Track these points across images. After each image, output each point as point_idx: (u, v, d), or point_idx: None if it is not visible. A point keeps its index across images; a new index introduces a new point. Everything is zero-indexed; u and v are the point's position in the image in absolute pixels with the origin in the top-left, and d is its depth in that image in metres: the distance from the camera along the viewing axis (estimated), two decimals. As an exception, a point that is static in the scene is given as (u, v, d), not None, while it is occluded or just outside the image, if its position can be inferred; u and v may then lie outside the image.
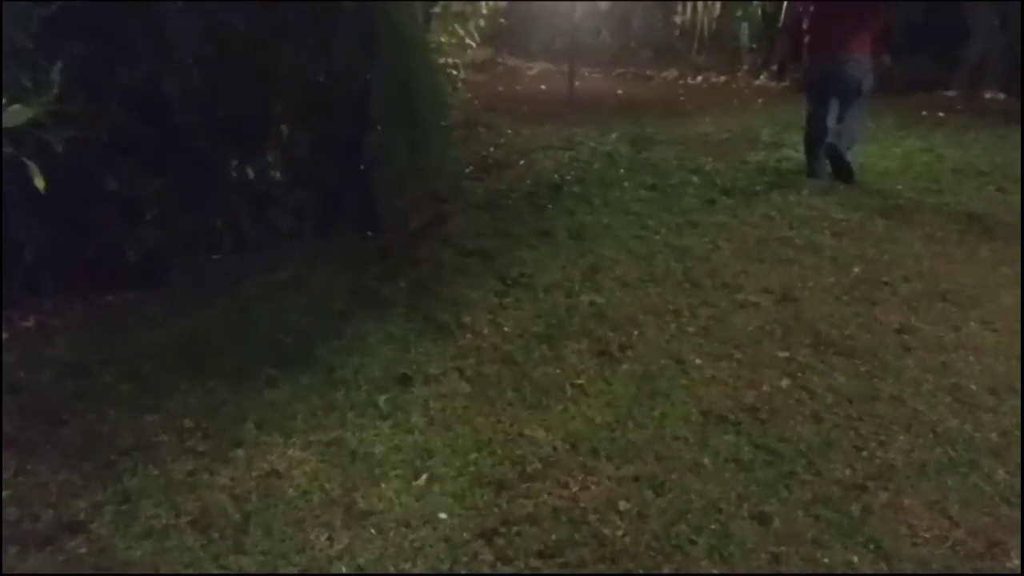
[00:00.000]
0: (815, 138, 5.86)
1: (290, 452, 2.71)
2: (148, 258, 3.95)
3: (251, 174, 4.28)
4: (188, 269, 4.12)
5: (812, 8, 5.83)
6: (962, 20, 8.96)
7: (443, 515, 2.39)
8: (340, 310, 3.82)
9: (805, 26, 5.87)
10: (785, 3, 6.14)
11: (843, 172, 5.78)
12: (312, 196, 4.56)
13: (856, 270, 4.21)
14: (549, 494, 2.48)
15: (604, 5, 11.12)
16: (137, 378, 3.19)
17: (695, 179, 5.99)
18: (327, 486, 2.52)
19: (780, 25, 6.17)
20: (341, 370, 3.25)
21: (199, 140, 4.06)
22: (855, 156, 5.82)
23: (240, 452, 2.71)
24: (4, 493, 2.48)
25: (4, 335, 3.49)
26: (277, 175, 4.34)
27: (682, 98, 9.63)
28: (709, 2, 11.06)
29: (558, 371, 3.25)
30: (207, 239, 4.27)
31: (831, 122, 5.74)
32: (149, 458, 2.68)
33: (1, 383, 3.07)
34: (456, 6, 7.89)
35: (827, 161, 5.83)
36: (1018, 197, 5.40)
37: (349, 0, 4.48)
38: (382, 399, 3.04)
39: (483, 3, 8.38)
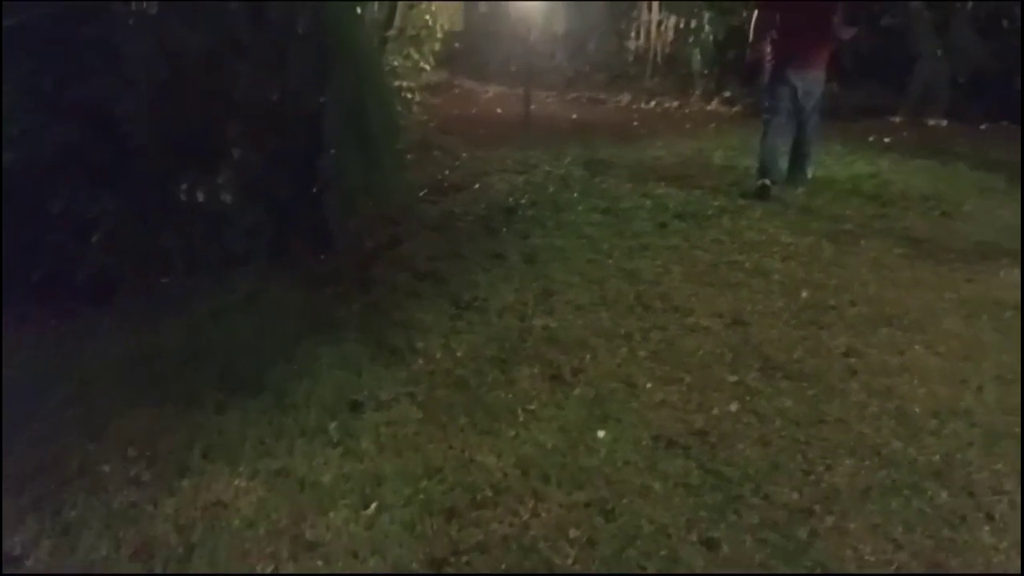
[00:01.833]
0: (774, 148, 6.24)
1: (237, 481, 2.66)
2: (98, 279, 3.89)
3: (203, 195, 4.23)
4: (138, 290, 4.05)
5: (778, 24, 6.13)
6: (907, 49, 9.19)
7: (392, 545, 2.37)
8: (292, 333, 3.77)
9: (770, 42, 6.18)
10: (755, 16, 6.34)
11: (800, 179, 6.26)
12: (265, 217, 4.52)
13: (804, 294, 4.28)
14: (499, 522, 2.47)
15: (559, 30, 11.23)
16: (83, 403, 3.12)
17: (647, 203, 6.05)
18: (274, 516, 2.48)
19: (751, 39, 6.39)
20: (291, 395, 3.21)
21: (151, 160, 4.01)
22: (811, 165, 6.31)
23: (185, 482, 2.66)
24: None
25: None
26: (229, 196, 4.29)
27: (635, 122, 9.73)
28: (662, 28, 11.23)
29: (510, 396, 3.25)
30: (158, 260, 4.21)
31: (789, 132, 6.21)
32: (91, 488, 2.62)
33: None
34: (412, 28, 7.93)
35: (785, 169, 6.28)
36: (961, 223, 5.54)
37: (303, 22, 4.48)
38: (332, 425, 3.01)
39: (438, 26, 8.43)
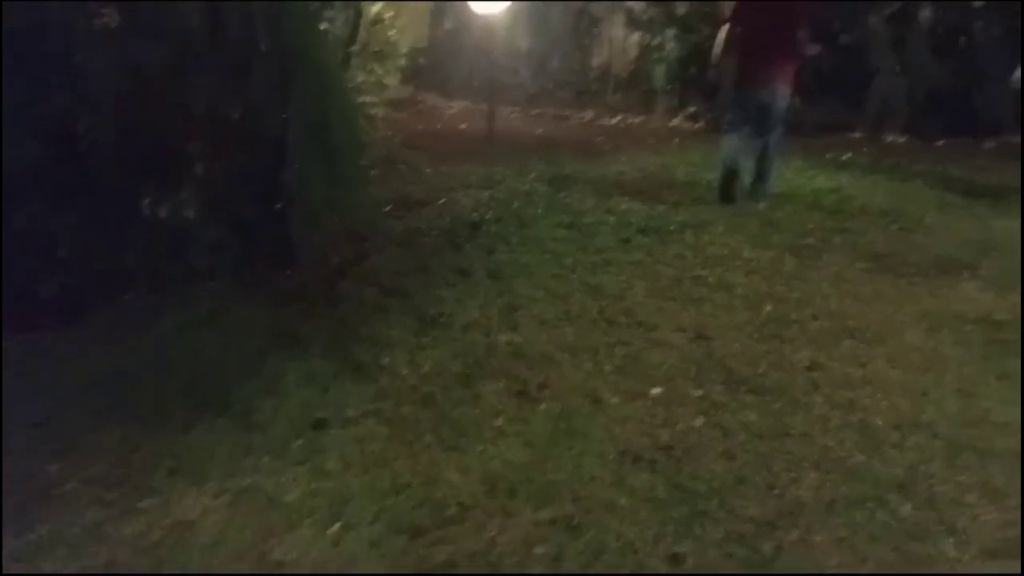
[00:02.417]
0: (736, 162, 6.40)
1: (203, 500, 2.63)
2: (60, 297, 3.82)
3: (166, 211, 4.19)
4: (103, 308, 3.98)
5: (745, 41, 6.30)
6: (866, 66, 9.36)
7: (359, 563, 2.34)
8: (257, 350, 3.73)
9: (736, 58, 6.35)
10: (723, 32, 6.50)
11: (762, 193, 6.39)
12: (229, 234, 4.47)
13: (767, 308, 4.32)
14: (466, 539, 2.46)
15: (523, 46, 11.28)
16: (48, 422, 3.06)
17: (611, 218, 6.07)
18: (240, 535, 2.45)
19: (721, 52, 6.57)
20: (257, 413, 3.18)
21: (114, 176, 3.96)
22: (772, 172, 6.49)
23: (151, 501, 2.62)
24: None
25: None
26: (192, 213, 4.24)
27: (599, 138, 9.79)
28: (625, 45, 11.33)
29: (476, 411, 3.24)
30: (122, 277, 4.15)
31: (752, 146, 6.38)
32: (56, 508, 2.56)
33: None
34: (375, 44, 7.92)
35: (747, 182, 6.45)
36: (921, 237, 5.65)
37: (265, 38, 4.45)
38: (297, 443, 2.98)
39: (402, 42, 8.44)
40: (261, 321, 4.04)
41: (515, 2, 9.00)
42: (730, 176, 6.49)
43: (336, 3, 6.99)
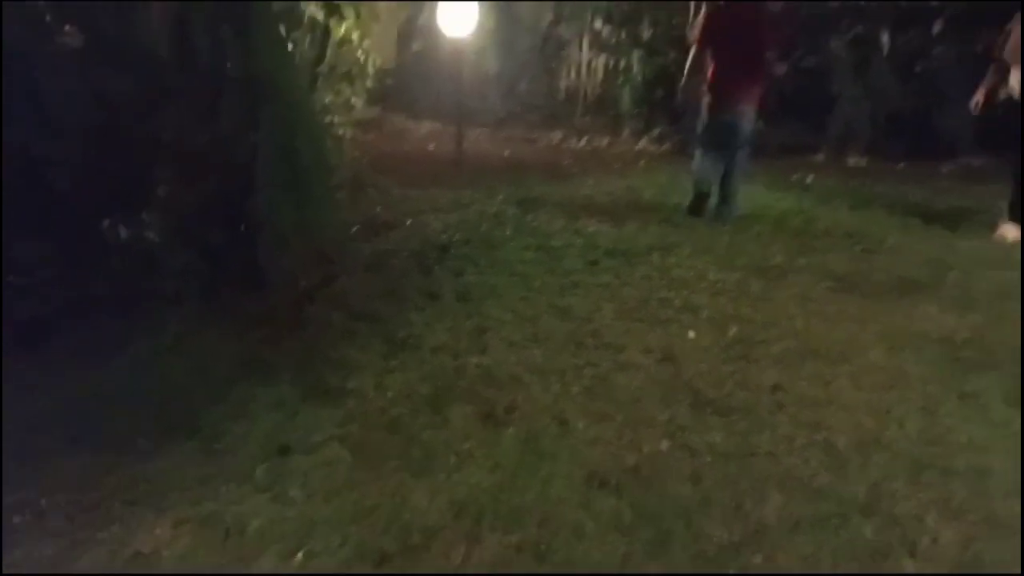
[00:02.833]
0: (705, 181, 6.64)
1: (163, 530, 2.59)
2: (24, 323, 3.75)
3: (133, 237, 4.14)
4: (68, 333, 3.92)
5: (713, 62, 6.50)
6: (828, 90, 9.52)
7: (323, 591, 2.32)
8: (224, 375, 3.69)
9: (702, 80, 6.55)
10: (691, 55, 6.65)
11: (726, 213, 6.60)
12: (196, 259, 4.43)
13: (733, 330, 4.35)
14: (433, 564, 2.44)
15: (491, 68, 11.35)
16: (7, 451, 3.00)
17: (579, 240, 6.11)
18: (200, 565, 2.41)
19: (685, 77, 6.75)
20: (222, 439, 3.14)
21: (79, 202, 3.92)
22: (737, 190, 6.68)
23: (110, 531, 2.57)
24: None
25: None
26: (159, 238, 4.20)
27: (567, 160, 9.85)
28: (592, 68, 11.44)
29: (444, 435, 3.22)
30: (88, 303, 4.08)
31: (720, 166, 6.59)
32: (10, 541, 2.51)
33: None
34: (343, 66, 7.92)
35: (712, 203, 6.67)
36: (883, 258, 5.73)
37: (233, 62, 4.44)
38: (262, 469, 2.95)
39: (371, 63, 8.45)
40: (228, 346, 4.00)
41: (483, 25, 9.06)
42: (700, 195, 6.71)
43: (304, 24, 6.98)
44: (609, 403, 3.52)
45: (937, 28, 9.54)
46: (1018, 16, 6.12)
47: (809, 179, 8.58)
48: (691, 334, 4.28)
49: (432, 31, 9.56)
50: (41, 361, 3.73)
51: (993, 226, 6.37)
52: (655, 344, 4.17)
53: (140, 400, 3.43)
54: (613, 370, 3.87)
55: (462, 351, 4.04)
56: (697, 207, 6.74)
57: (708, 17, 6.72)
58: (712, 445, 3.16)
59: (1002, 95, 6.25)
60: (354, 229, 6.10)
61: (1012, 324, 4.43)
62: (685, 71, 6.82)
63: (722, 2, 6.46)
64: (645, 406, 3.50)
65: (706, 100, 6.62)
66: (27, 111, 3.75)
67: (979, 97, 6.50)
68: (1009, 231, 6.25)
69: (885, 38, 9.73)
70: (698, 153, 6.80)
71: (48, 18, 4.07)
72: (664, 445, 3.17)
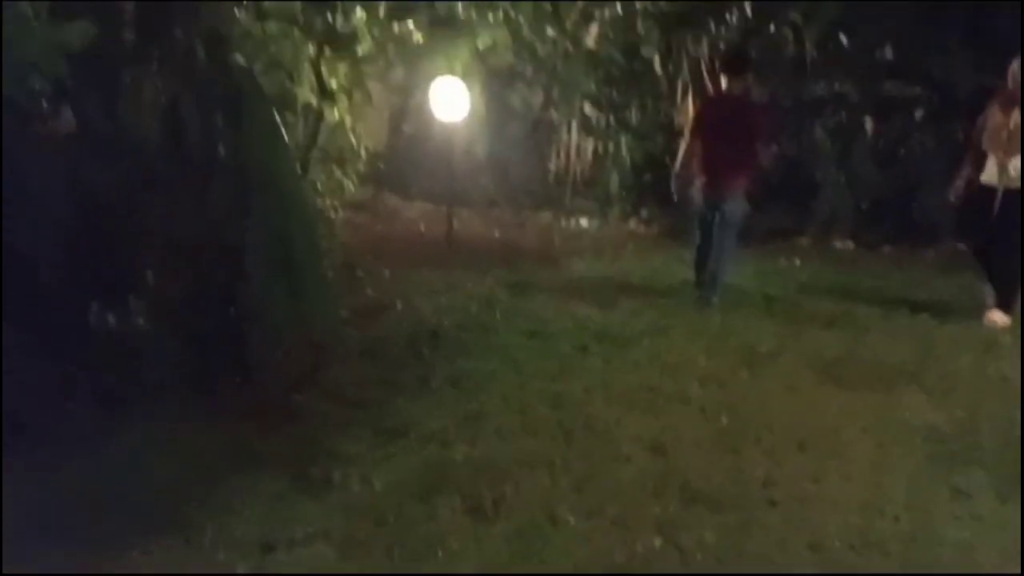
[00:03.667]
0: (701, 260, 6.81)
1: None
2: (3, 415, 3.72)
3: (118, 326, 4.14)
4: (48, 427, 3.87)
5: (705, 150, 6.70)
6: (812, 177, 9.69)
7: None
8: (209, 468, 3.66)
9: (694, 168, 6.77)
10: (683, 144, 6.82)
11: (711, 294, 6.72)
12: (183, 347, 4.42)
13: (724, 420, 4.35)
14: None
15: (482, 150, 11.49)
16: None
17: (569, 324, 6.12)
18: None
19: (678, 166, 6.94)
20: (203, 535, 3.10)
21: (64, 291, 3.93)
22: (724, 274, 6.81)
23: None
24: None
25: None
26: (146, 327, 4.20)
27: (556, 242, 9.91)
28: (581, 151, 11.63)
29: (431, 531, 3.19)
30: (69, 393, 4.06)
31: (713, 246, 6.74)
32: None
33: None
34: (335, 150, 8.06)
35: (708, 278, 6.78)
36: (868, 345, 5.76)
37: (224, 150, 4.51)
38: (243, 567, 2.91)
39: (362, 147, 8.60)
40: (215, 437, 3.96)
41: (475, 109, 9.24)
42: (699, 275, 6.90)
43: (297, 108, 7.12)
44: (600, 497, 3.50)
45: (919, 115, 9.77)
46: (995, 104, 6.28)
47: (797, 262, 8.66)
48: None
49: (425, 114, 9.71)
50: (21, 454, 3.67)
51: (979, 312, 6.42)
52: (646, 434, 4.16)
53: (122, 494, 3.39)
54: (604, 461, 3.85)
55: (452, 441, 4.02)
56: (701, 286, 6.93)
57: (698, 108, 6.94)
58: (703, 544, 3.14)
59: (981, 182, 6.36)
60: (345, 314, 6.11)
61: (1000, 415, 4.45)
62: (678, 160, 7.01)
63: (712, 93, 6.66)
64: (636, 500, 3.48)
65: (698, 187, 6.79)
66: (14, 200, 3.78)
67: (958, 183, 6.62)
68: (998, 317, 6.30)
69: (868, 125, 9.95)
70: (692, 241, 7.00)
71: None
72: (656, 542, 3.14)
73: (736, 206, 6.67)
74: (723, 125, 6.63)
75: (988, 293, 6.45)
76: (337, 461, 3.76)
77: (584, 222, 10.96)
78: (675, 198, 7.34)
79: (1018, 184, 6.05)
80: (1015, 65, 6.03)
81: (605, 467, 3.80)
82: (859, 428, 4.31)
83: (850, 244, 9.64)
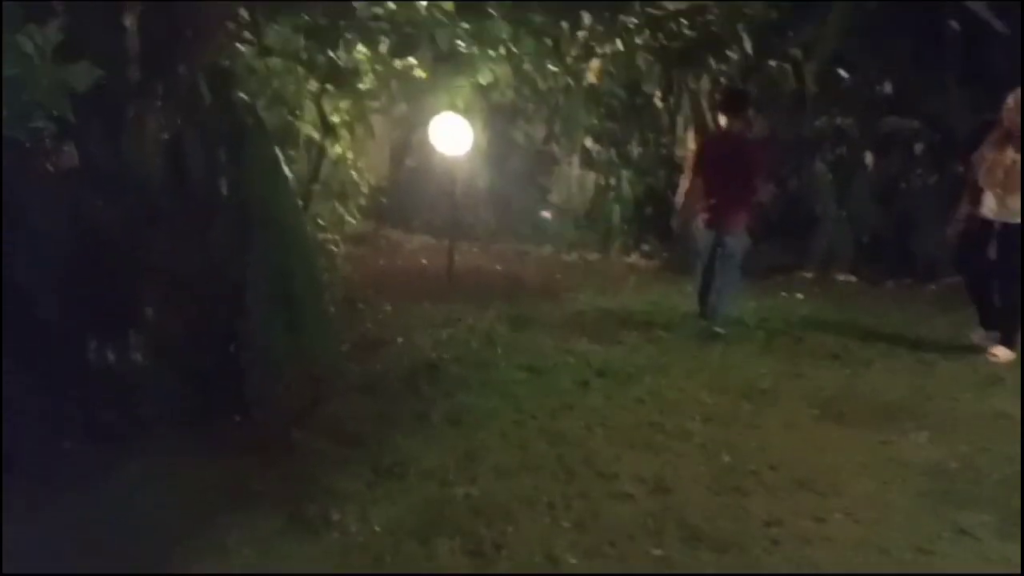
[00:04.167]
0: (705, 294, 6.95)
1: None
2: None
3: (114, 359, 4.13)
4: (40, 463, 3.84)
5: (707, 187, 6.85)
6: (813, 211, 9.72)
7: None
8: (205, 505, 3.63)
9: (696, 205, 6.93)
10: (686, 182, 6.90)
11: (723, 322, 6.85)
12: (182, 382, 4.40)
13: (725, 458, 4.32)
14: None
15: (484, 183, 11.54)
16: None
17: (570, 360, 6.10)
18: None
19: (680, 204, 7.06)
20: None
21: (63, 326, 3.92)
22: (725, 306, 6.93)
23: None
24: None
25: None
26: (143, 360, 4.19)
27: (558, 275, 9.91)
28: (583, 184, 11.68)
29: (429, 572, 3.16)
30: (63, 427, 4.03)
31: (716, 280, 6.86)
32: None
33: None
34: (337, 184, 8.09)
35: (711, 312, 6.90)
36: (869, 381, 5.74)
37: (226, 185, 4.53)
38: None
39: (364, 181, 8.64)
40: (211, 474, 3.93)
41: (477, 143, 9.28)
42: (703, 308, 7.00)
43: (300, 142, 7.16)
44: (600, 537, 3.46)
45: (919, 150, 9.82)
46: (991, 139, 6.30)
47: (798, 296, 8.65)
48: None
49: (427, 148, 9.76)
50: (15, 490, 3.64)
51: (980, 347, 6.40)
52: (647, 472, 4.13)
53: (116, 531, 3.36)
54: (605, 501, 3.82)
55: (451, 480, 3.98)
56: (705, 315, 7.02)
57: (698, 146, 7.05)
58: (705, 587, 3.10)
59: (978, 217, 6.36)
60: (345, 348, 6.09)
61: (1002, 452, 4.42)
62: (681, 198, 7.12)
63: (712, 130, 6.76)
64: (637, 541, 3.44)
65: (699, 223, 6.91)
66: (14, 234, 3.78)
67: (957, 219, 6.63)
68: (1000, 352, 6.28)
69: (869, 160, 9.99)
70: (695, 275, 7.11)
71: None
72: (656, 586, 3.10)
73: (737, 241, 6.78)
74: (722, 162, 6.78)
75: (976, 330, 6.48)
76: (335, 499, 3.72)
77: (585, 255, 10.97)
78: (676, 234, 7.41)
79: (1015, 219, 6.07)
80: (1010, 100, 6.06)
81: (606, 506, 3.77)
82: (861, 466, 4.28)
83: (851, 278, 9.63)
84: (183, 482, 3.83)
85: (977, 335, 6.50)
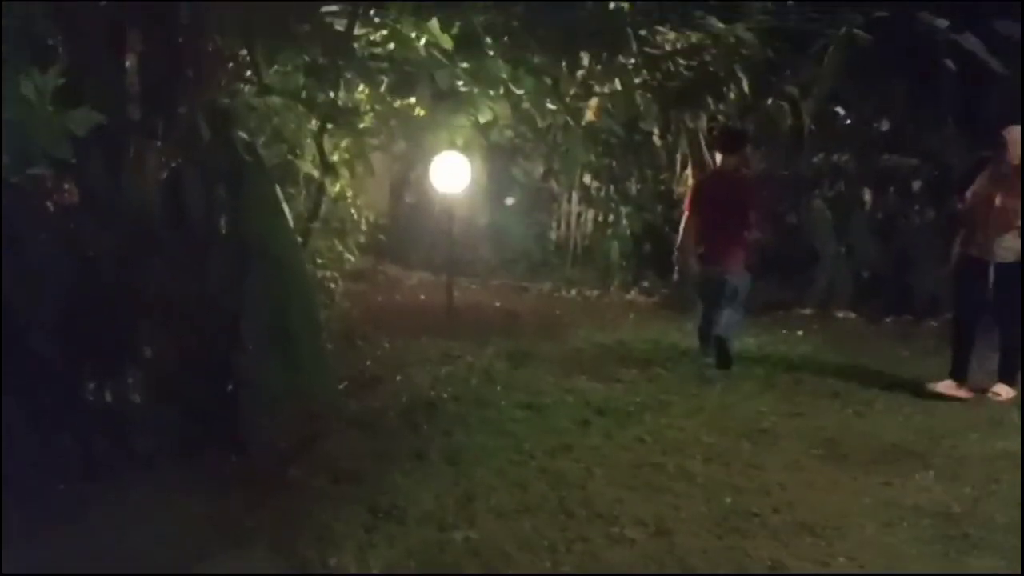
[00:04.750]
0: (706, 331, 6.90)
1: None
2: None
3: (109, 395, 4.10)
4: (29, 497, 3.79)
5: (704, 227, 6.84)
6: (812, 248, 9.73)
7: None
8: (198, 544, 3.58)
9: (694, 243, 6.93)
10: (684, 221, 6.88)
11: (724, 360, 6.84)
12: (178, 417, 4.36)
13: (727, 500, 4.27)
14: None
15: (482, 220, 11.59)
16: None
17: (569, 398, 6.06)
18: None
19: (681, 238, 7.02)
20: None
21: (58, 360, 3.89)
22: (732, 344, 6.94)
23: None
24: None
25: None
26: (137, 396, 4.16)
27: (557, 311, 9.90)
28: (581, 220, 11.72)
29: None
30: (56, 461, 3.99)
31: (717, 318, 6.81)
32: None
33: None
34: (336, 221, 8.09)
35: (712, 349, 6.87)
36: (872, 422, 5.70)
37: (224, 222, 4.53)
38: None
39: (363, 219, 8.65)
40: (204, 511, 3.88)
41: (476, 180, 9.31)
42: (704, 346, 6.97)
43: (299, 180, 7.16)
44: (601, 583, 3.41)
45: (917, 187, 9.87)
46: (983, 178, 6.32)
47: (799, 333, 8.63)
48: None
49: (426, 185, 9.80)
50: (8, 524, 3.58)
51: (984, 387, 6.37)
52: (648, 514, 4.08)
53: (107, 568, 3.31)
54: (605, 544, 3.77)
55: (448, 522, 3.93)
56: (706, 352, 6.99)
57: (695, 185, 7.30)
58: (708, 632, 3.04)
59: (971, 256, 6.35)
60: (342, 385, 6.05)
61: (1007, 495, 4.38)
62: (679, 237, 7.12)
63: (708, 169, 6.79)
64: (638, 587, 3.39)
65: (697, 260, 6.91)
66: (11, 269, 3.77)
67: (954, 257, 6.63)
68: (1003, 390, 6.25)
69: (867, 196, 10.04)
70: (696, 312, 7.12)
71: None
72: (658, 634, 3.04)
73: (738, 279, 6.78)
74: (719, 201, 6.81)
75: (943, 380, 6.40)
76: (328, 541, 3.67)
77: (584, 291, 10.97)
78: (677, 273, 7.41)
79: (1010, 258, 6.06)
80: (1007, 136, 6.08)
81: (606, 550, 3.72)
82: (864, 508, 4.23)
83: (851, 315, 9.62)
84: (177, 518, 3.77)
85: (942, 384, 6.36)
